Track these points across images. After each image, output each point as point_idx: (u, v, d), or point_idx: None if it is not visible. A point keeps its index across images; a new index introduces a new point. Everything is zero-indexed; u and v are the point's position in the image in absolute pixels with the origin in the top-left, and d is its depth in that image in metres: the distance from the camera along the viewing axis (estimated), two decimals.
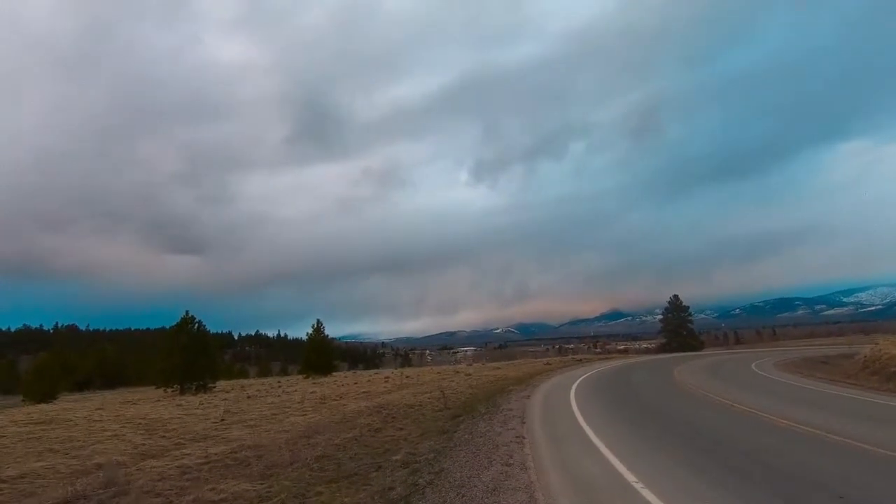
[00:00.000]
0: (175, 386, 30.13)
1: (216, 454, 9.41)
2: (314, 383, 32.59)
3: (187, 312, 32.09)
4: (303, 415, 15.14)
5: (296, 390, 26.44)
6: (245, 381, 46.68)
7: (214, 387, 31.83)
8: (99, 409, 21.79)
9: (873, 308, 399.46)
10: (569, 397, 14.36)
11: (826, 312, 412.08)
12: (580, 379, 21.25)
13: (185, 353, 29.86)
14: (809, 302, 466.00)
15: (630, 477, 5.66)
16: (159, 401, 24.82)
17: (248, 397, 23.65)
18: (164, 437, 11.98)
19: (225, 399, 23.27)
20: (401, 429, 11.03)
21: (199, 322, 32.50)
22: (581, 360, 45.01)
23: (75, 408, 23.42)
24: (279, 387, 31.43)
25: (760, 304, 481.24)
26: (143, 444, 10.95)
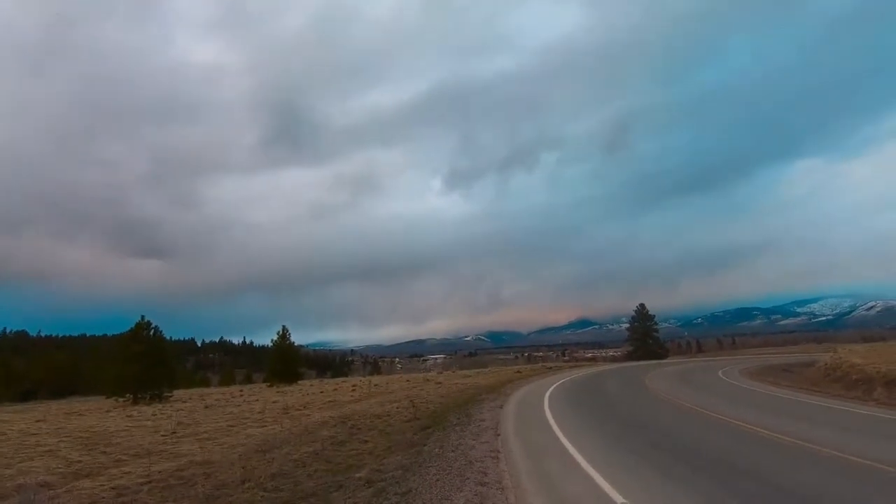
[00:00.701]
0: (128, 395, 28.36)
1: (159, 472, 8.50)
2: (278, 392, 31.30)
3: (143, 317, 30.32)
4: (262, 426, 14.21)
5: (257, 399, 25.23)
6: (205, 390, 44.64)
7: (171, 396, 30.11)
8: (40, 420, 20.17)
9: (824, 318, 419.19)
10: (543, 407, 13.82)
11: (781, 322, 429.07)
12: (553, 387, 20.86)
13: (140, 361, 28.13)
14: (766, 312, 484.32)
15: (617, 497, 5.16)
16: (109, 412, 23.21)
17: (206, 407, 22.37)
18: (104, 452, 10.89)
19: (180, 409, 21.94)
20: (366, 441, 10.31)
21: (156, 327, 30.76)
22: (552, 367, 44.94)
23: (13, 419, 21.62)
24: (241, 396, 30.04)
25: (721, 313, 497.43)
26: (79, 462, 9.87)
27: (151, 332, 30.58)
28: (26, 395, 44.06)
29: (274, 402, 23.13)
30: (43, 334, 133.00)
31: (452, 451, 7.78)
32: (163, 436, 13.20)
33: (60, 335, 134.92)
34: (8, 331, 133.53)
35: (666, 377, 25.41)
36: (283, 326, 42.56)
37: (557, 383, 23.26)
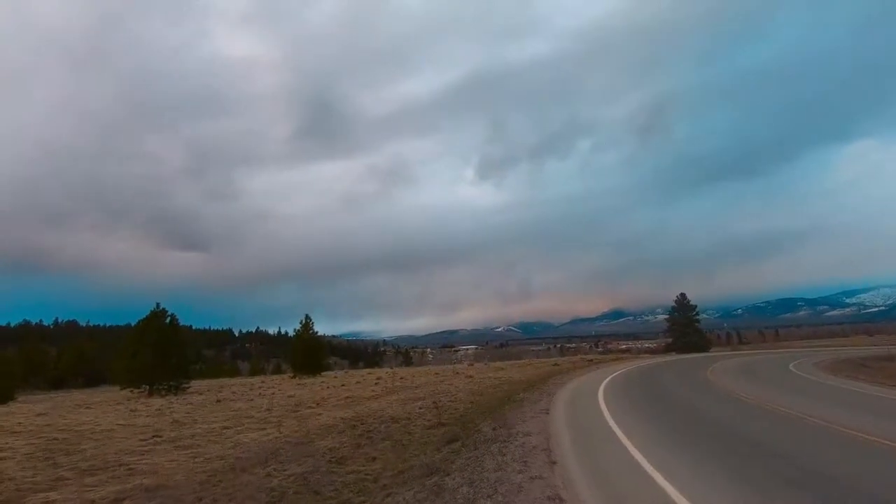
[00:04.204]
0: (143, 387, 27.01)
1: (92, 503, 6.29)
2: (298, 384, 29.55)
3: (158, 305, 28.91)
4: (260, 429, 12.01)
5: (273, 393, 23.38)
6: (229, 381, 43.60)
7: (188, 387, 28.70)
8: (42, 413, 18.74)
9: (876, 309, 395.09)
10: (603, 415, 10.53)
11: (828, 313, 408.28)
12: (603, 385, 17.76)
13: (153, 351, 26.68)
14: (811, 303, 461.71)
15: None
16: (119, 404, 21.73)
17: (217, 401, 20.59)
18: (56, 464, 8.82)
19: (190, 404, 20.23)
20: (374, 459, 7.88)
21: (172, 315, 29.33)
22: (592, 360, 41.74)
23: (19, 411, 20.39)
24: (260, 387, 28.43)
25: (762, 304, 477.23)
26: (12, 479, 7.78)
27: (168, 321, 29.19)
28: (56, 384, 44.10)
29: (289, 396, 21.20)
30: (91, 324, 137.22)
31: (488, 494, 4.97)
32: (142, 440, 11.13)
33: (106, 325, 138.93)
34: (60, 320, 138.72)
35: (732, 374, 22.09)
36: (306, 316, 40.99)
37: (607, 380, 20.13)
